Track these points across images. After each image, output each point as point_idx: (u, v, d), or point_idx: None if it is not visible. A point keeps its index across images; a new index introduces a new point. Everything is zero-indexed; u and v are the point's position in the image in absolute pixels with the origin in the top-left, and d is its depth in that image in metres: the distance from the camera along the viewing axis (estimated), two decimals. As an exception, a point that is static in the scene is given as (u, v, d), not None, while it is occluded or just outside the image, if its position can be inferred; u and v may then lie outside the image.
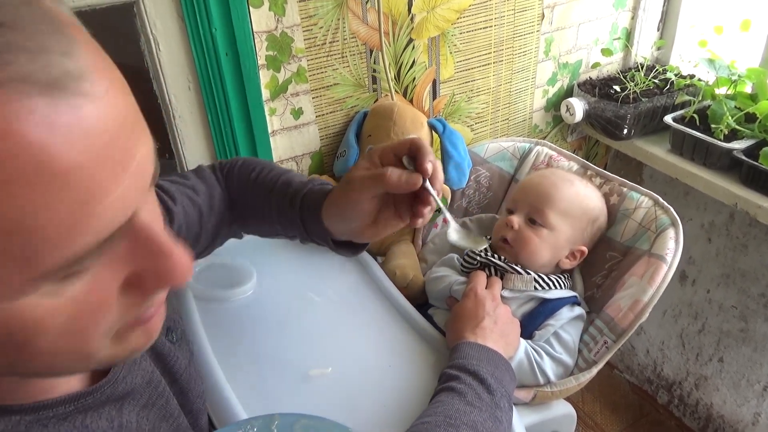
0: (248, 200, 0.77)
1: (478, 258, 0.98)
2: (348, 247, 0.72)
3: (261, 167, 0.78)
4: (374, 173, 0.62)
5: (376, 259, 1.00)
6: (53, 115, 0.28)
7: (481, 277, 0.92)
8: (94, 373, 0.49)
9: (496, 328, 0.83)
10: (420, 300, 1.00)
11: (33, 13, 0.29)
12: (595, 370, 0.89)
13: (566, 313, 0.93)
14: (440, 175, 0.63)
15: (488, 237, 1.04)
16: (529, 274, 0.94)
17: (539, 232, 0.96)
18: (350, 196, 0.64)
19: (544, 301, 0.94)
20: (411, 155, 0.63)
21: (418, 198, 0.64)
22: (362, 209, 0.64)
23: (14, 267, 0.30)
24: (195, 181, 0.76)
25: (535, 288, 0.94)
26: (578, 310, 0.95)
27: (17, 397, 0.41)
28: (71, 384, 0.45)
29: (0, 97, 0.27)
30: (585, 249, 0.99)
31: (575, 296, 0.97)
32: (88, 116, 0.29)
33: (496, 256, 0.97)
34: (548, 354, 0.89)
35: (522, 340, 0.88)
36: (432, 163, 0.61)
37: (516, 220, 0.97)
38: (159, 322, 0.41)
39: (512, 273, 0.95)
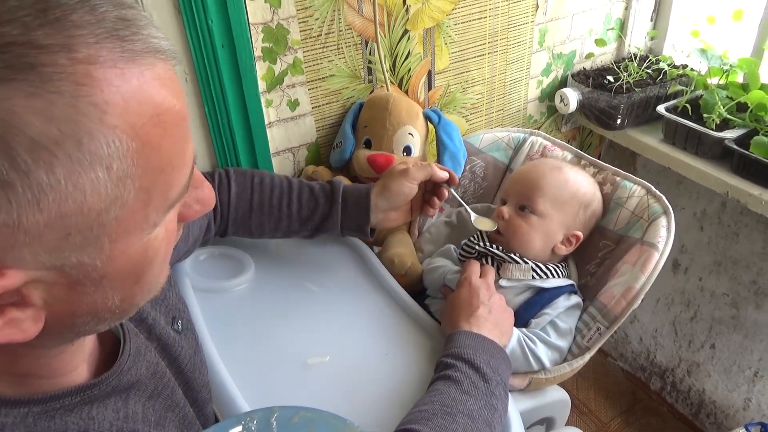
0: (253, 203, 0.87)
1: (477, 248, 0.99)
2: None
3: (258, 173, 0.90)
4: (423, 164, 0.87)
5: (372, 249, 1.01)
6: (164, 75, 0.35)
7: (475, 266, 0.93)
8: (99, 365, 0.50)
9: (491, 317, 0.84)
10: (418, 288, 1.02)
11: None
12: (588, 356, 0.91)
13: (563, 302, 0.94)
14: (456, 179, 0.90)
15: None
16: (526, 263, 0.95)
17: (528, 219, 0.96)
18: (401, 181, 0.85)
19: (541, 290, 0.95)
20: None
21: (434, 193, 0.90)
22: (408, 191, 0.86)
23: (158, 201, 0.37)
24: None
25: (533, 277, 0.95)
26: (575, 299, 0.95)
27: (24, 390, 0.41)
28: (78, 376, 0.46)
29: (137, 68, 0.33)
30: (580, 234, 0.98)
31: (572, 284, 0.97)
32: (175, 76, 0.37)
33: (494, 246, 0.98)
34: (542, 340, 0.90)
35: (515, 329, 0.88)
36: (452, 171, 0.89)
37: (506, 210, 0.98)
38: None
39: (510, 263, 0.96)
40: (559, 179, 0.98)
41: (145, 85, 0.34)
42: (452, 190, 0.91)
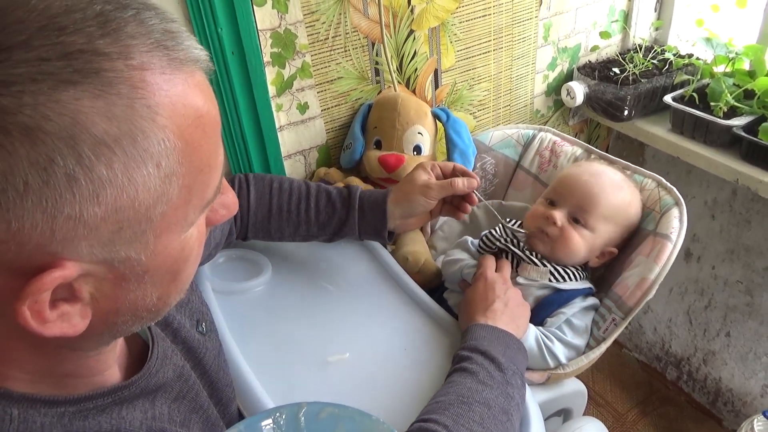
0: (272, 208, 0.88)
1: (497, 243, 0.98)
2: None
3: (277, 178, 0.91)
4: (444, 183, 0.86)
5: (386, 247, 1.03)
6: (202, 82, 0.39)
7: (490, 261, 0.93)
8: (128, 368, 0.52)
9: (507, 311, 0.85)
10: (433, 284, 1.02)
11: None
12: (604, 347, 0.91)
13: (579, 302, 0.93)
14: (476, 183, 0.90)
15: (508, 220, 1.03)
16: (545, 266, 0.94)
17: (581, 232, 0.94)
18: (421, 198, 0.86)
19: (558, 291, 0.94)
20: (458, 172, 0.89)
21: (463, 198, 0.90)
22: (426, 206, 0.87)
23: (196, 200, 0.40)
24: None
25: (550, 280, 0.94)
26: (591, 301, 0.95)
27: (61, 391, 0.43)
28: (111, 376, 0.48)
29: (182, 75, 0.37)
30: (616, 251, 0.98)
31: (590, 288, 0.96)
32: (209, 84, 0.41)
33: (515, 242, 0.97)
34: (559, 339, 0.89)
35: (531, 326, 0.89)
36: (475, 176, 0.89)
37: (559, 216, 0.94)
38: None
39: (528, 263, 0.95)
40: (617, 199, 0.96)
41: (188, 90, 0.37)
42: (485, 201, 0.95)
